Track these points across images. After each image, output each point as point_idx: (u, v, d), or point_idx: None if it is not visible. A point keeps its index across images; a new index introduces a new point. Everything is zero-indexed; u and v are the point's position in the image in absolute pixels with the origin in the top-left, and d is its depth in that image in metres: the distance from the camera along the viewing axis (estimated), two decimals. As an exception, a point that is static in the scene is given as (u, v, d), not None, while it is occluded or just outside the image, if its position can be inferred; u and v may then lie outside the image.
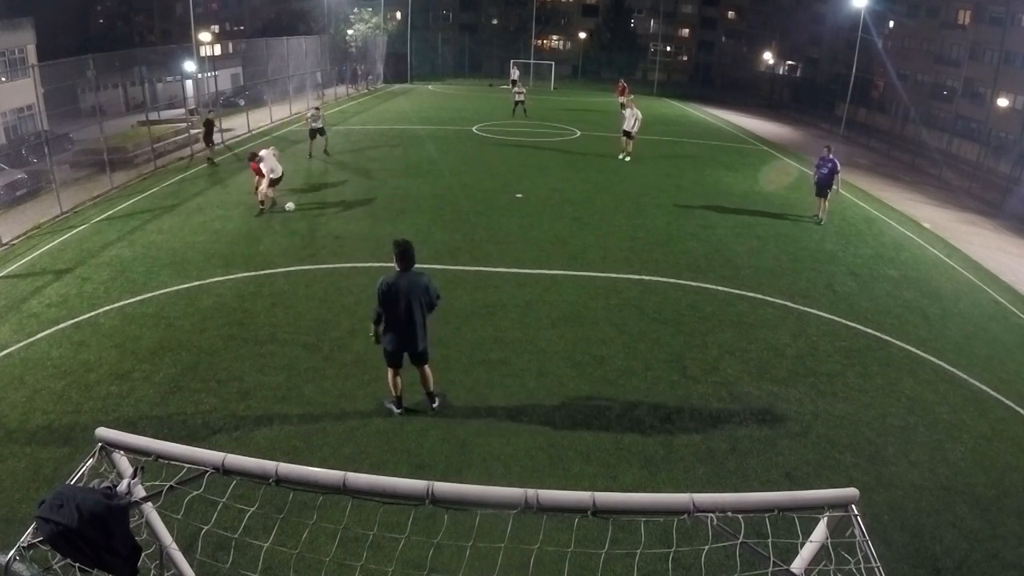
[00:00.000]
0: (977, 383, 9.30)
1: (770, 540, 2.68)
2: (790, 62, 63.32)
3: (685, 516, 2.49)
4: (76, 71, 20.06)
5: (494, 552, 2.86)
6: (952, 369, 9.64)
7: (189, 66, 29.07)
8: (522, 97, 32.42)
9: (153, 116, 22.94)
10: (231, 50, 48.52)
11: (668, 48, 68.43)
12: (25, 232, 13.94)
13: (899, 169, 29.41)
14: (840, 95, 40.39)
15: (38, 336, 9.29)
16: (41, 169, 18.39)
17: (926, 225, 18.28)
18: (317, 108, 22.38)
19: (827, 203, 16.63)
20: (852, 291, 12.38)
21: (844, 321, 10.96)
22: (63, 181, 16.74)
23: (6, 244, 13.20)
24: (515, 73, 48.58)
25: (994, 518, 6.64)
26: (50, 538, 2.58)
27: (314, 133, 21.18)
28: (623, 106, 36.53)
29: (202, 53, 34.03)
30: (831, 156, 16.39)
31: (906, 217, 19.05)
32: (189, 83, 28.49)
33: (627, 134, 22.43)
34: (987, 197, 25.02)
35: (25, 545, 2.63)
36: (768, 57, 61.63)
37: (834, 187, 16.37)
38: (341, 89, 39.77)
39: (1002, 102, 37.32)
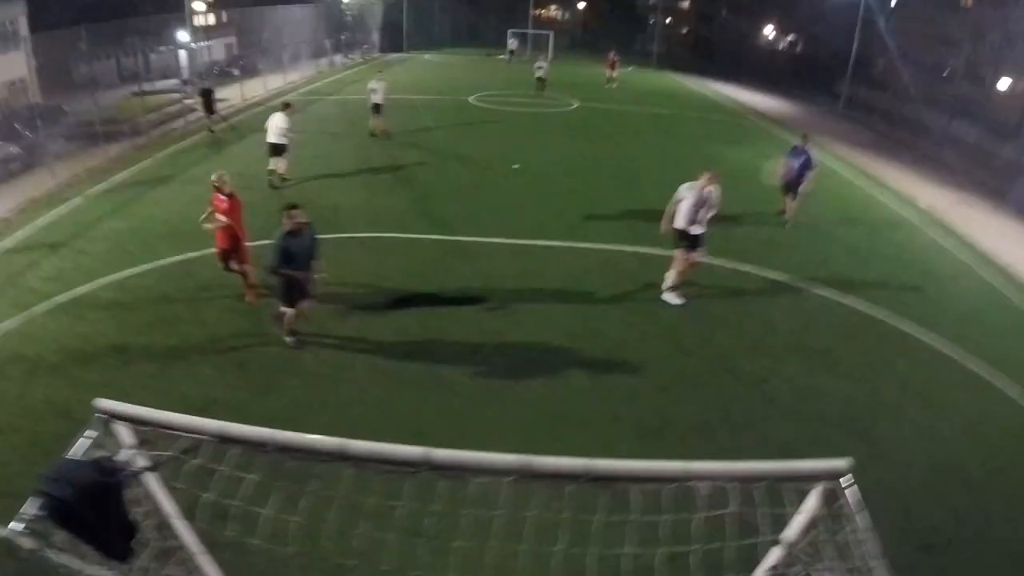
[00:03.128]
0: (970, 364, 9.34)
1: (759, 510, 2.73)
2: (791, 37, 62.59)
3: (677, 484, 2.53)
4: (68, 43, 19.77)
5: (489, 519, 2.92)
6: (945, 350, 9.68)
7: (183, 36, 28.69)
8: (543, 73, 30.42)
9: (147, 87, 22.68)
10: (225, 20, 47.75)
11: (668, 20, 67.53)
12: (19, 206, 13.83)
13: (898, 148, 29.26)
14: (841, 72, 40.06)
15: (35, 310, 9.27)
16: (34, 143, 18.19)
17: (924, 205, 18.25)
18: (379, 78, 20.06)
19: (795, 204, 14.37)
20: (848, 268, 12.40)
21: (839, 299, 11.00)
22: (57, 154, 16.58)
23: (1, 218, 13.11)
24: (513, 43, 48.01)
25: (983, 497, 6.72)
26: (48, 512, 2.60)
27: (376, 108, 19.54)
28: (610, 79, 35.15)
29: (196, 23, 33.52)
30: (806, 147, 14.20)
31: (904, 197, 18.99)
32: (183, 53, 28.15)
33: (687, 237, 10.18)
34: (986, 179, 24.94)
35: (27, 518, 2.65)
36: (769, 31, 60.93)
37: (803, 185, 14.06)
38: (336, 59, 39.27)
39: (1003, 83, 37.01)
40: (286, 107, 15.20)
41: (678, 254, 10.23)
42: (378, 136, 19.70)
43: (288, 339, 8.51)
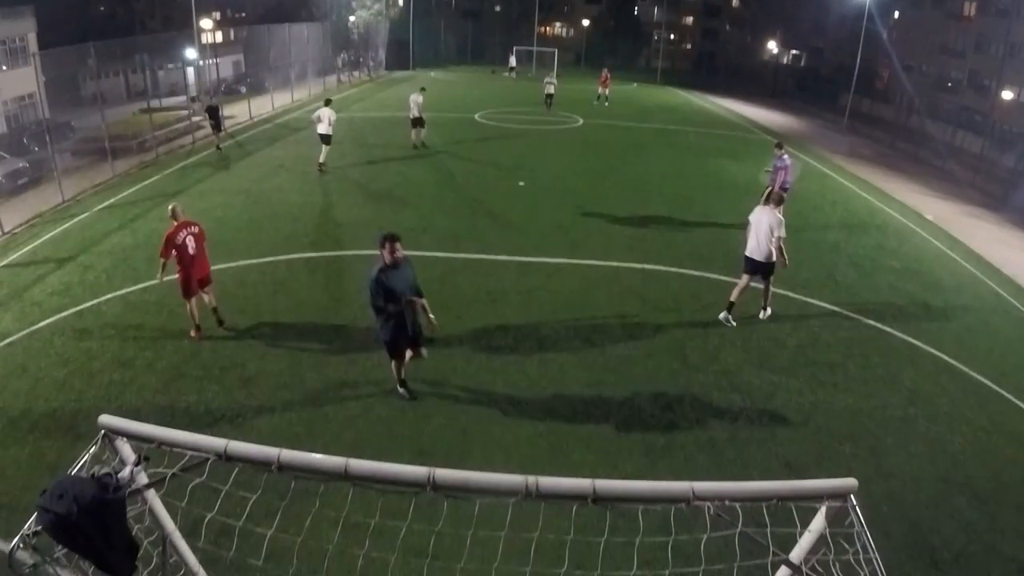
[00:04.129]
0: (977, 376, 9.29)
1: (769, 529, 2.69)
2: (794, 51, 62.91)
3: (684, 504, 2.50)
4: (77, 59, 19.99)
5: (495, 540, 2.89)
6: (952, 361, 9.63)
7: (191, 53, 28.95)
8: (552, 90, 30.35)
9: (155, 104, 22.87)
10: (232, 37, 48.24)
11: (672, 36, 68.02)
12: (27, 220, 13.93)
13: (903, 160, 29.27)
14: (844, 85, 40.19)
15: (40, 324, 9.31)
16: (43, 157, 18.34)
17: (929, 217, 18.22)
18: (421, 94, 20.67)
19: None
20: (854, 282, 12.36)
21: (845, 312, 10.94)
22: (64, 169, 16.72)
23: (8, 232, 13.20)
24: (513, 61, 48.54)
25: (992, 511, 6.64)
26: (49, 528, 2.59)
27: (415, 122, 20.40)
28: (599, 97, 34.20)
29: (203, 40, 33.87)
30: (780, 155, 14.55)
31: (909, 209, 18.98)
32: (191, 70, 28.41)
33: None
34: (991, 190, 24.89)
35: (29, 533, 2.64)
36: (772, 46, 61.23)
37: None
38: (343, 76, 39.60)
39: (1007, 94, 37.05)
40: (328, 102, 17.95)
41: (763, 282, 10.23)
42: (417, 147, 20.74)
43: (400, 390, 7.83)
